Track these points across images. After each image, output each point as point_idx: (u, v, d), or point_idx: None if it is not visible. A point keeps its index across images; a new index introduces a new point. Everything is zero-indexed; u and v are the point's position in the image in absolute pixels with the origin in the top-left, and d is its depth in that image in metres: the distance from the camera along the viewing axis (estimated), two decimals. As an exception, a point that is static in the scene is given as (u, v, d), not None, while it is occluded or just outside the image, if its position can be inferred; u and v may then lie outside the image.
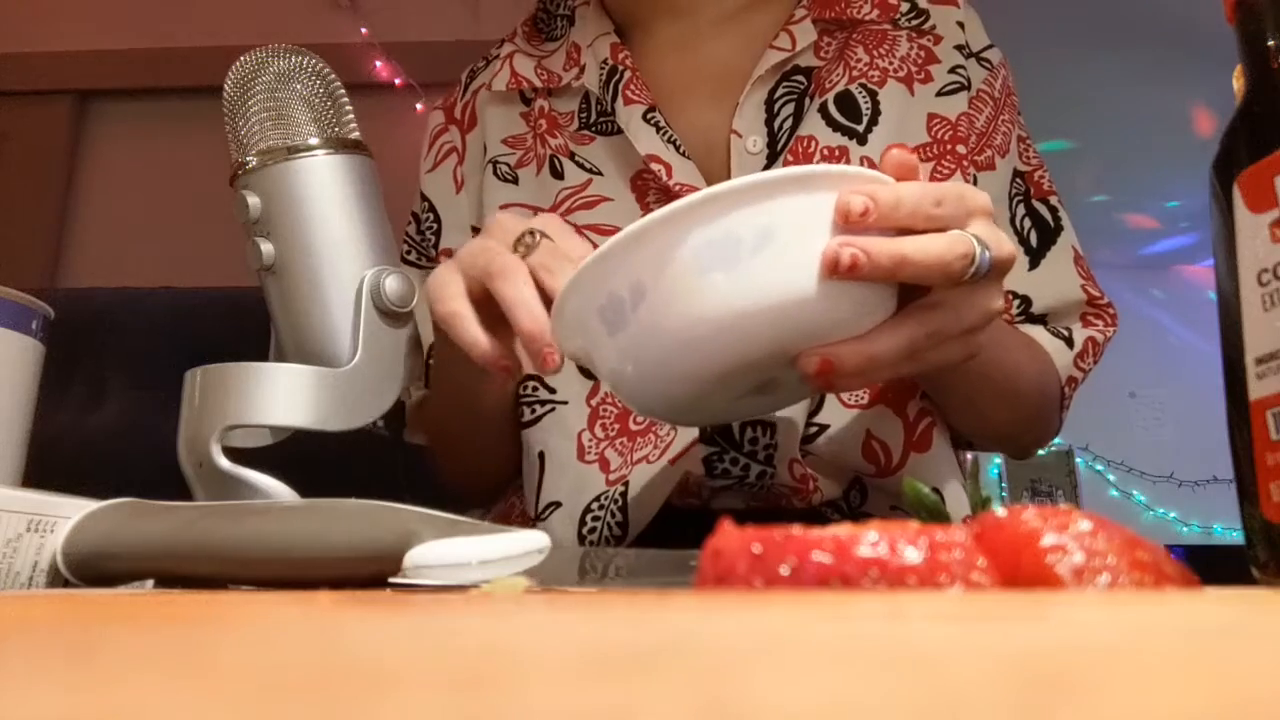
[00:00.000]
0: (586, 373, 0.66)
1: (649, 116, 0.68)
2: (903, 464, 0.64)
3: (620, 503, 0.63)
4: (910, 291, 0.45)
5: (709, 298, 0.41)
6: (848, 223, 0.41)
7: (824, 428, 0.63)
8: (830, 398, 0.64)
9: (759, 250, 0.40)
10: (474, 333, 0.49)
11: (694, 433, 0.62)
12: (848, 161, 0.65)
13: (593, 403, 0.66)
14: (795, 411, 0.63)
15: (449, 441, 0.72)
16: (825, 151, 0.66)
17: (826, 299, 0.41)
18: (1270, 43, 0.30)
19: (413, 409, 0.74)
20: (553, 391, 0.67)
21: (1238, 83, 0.32)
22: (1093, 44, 2.68)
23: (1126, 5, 2.58)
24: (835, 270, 0.40)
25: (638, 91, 0.70)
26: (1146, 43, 2.68)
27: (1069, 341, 0.69)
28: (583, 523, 0.64)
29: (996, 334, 0.58)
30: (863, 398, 0.64)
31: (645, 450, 0.64)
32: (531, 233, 0.50)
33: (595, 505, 0.64)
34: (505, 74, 0.75)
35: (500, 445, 0.69)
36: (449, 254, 0.74)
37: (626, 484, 0.63)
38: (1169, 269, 4.07)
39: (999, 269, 0.44)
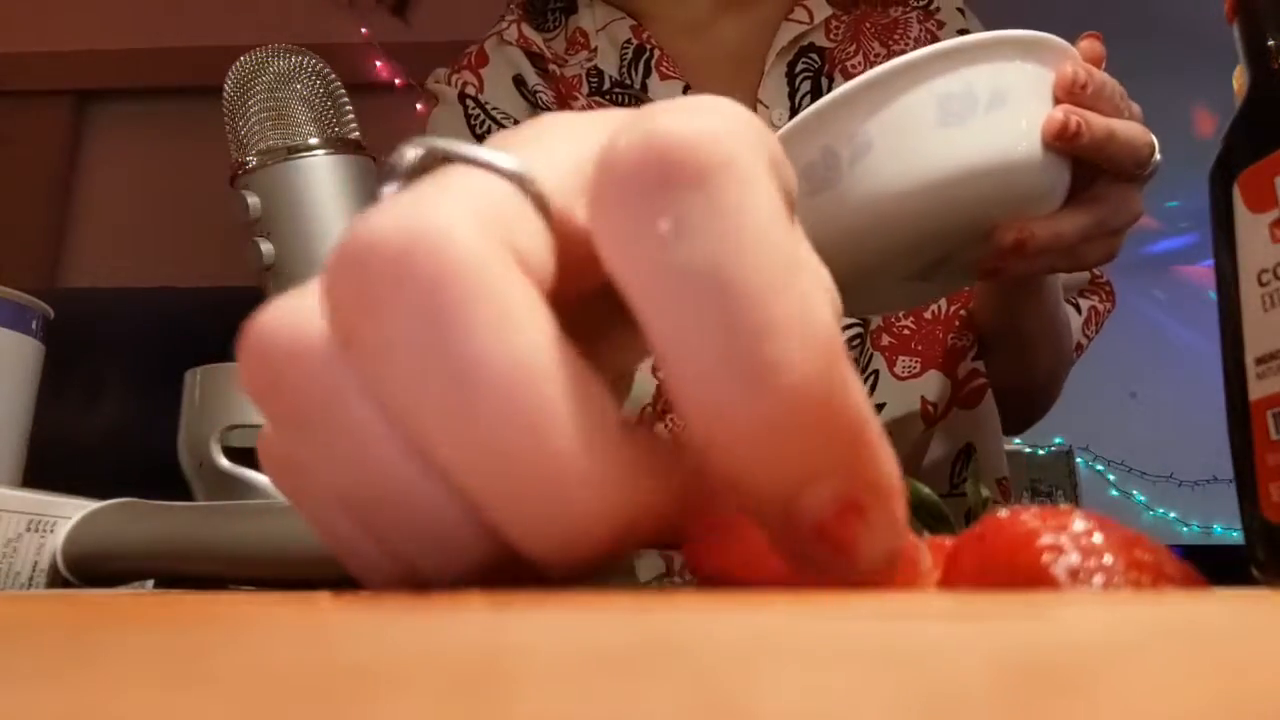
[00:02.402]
0: None
1: (689, 93, 0.69)
2: (945, 414, 0.66)
3: None
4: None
5: (939, 152, 0.40)
6: (1068, 95, 0.42)
7: (880, 407, 0.64)
8: (884, 375, 0.65)
9: (990, 109, 0.41)
10: None
11: None
12: None
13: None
14: None
15: None
16: None
17: (1042, 167, 0.42)
18: (1270, 43, 0.30)
19: None
20: None
21: (1238, 83, 0.32)
22: (1093, 44, 2.67)
23: (1126, 5, 2.58)
24: (1062, 135, 0.41)
25: (672, 68, 0.70)
26: (1146, 43, 2.68)
27: (1076, 308, 0.72)
28: None
29: (1054, 281, 0.63)
30: (915, 368, 0.66)
31: None
32: None
33: None
34: (514, 32, 0.75)
35: None
36: None
37: None
38: (1169, 269, 4.07)
39: (1154, 172, 0.47)
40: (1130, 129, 0.44)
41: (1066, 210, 0.45)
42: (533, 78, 0.73)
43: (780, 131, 0.42)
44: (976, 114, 0.41)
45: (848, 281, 0.44)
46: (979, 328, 0.67)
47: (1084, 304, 0.73)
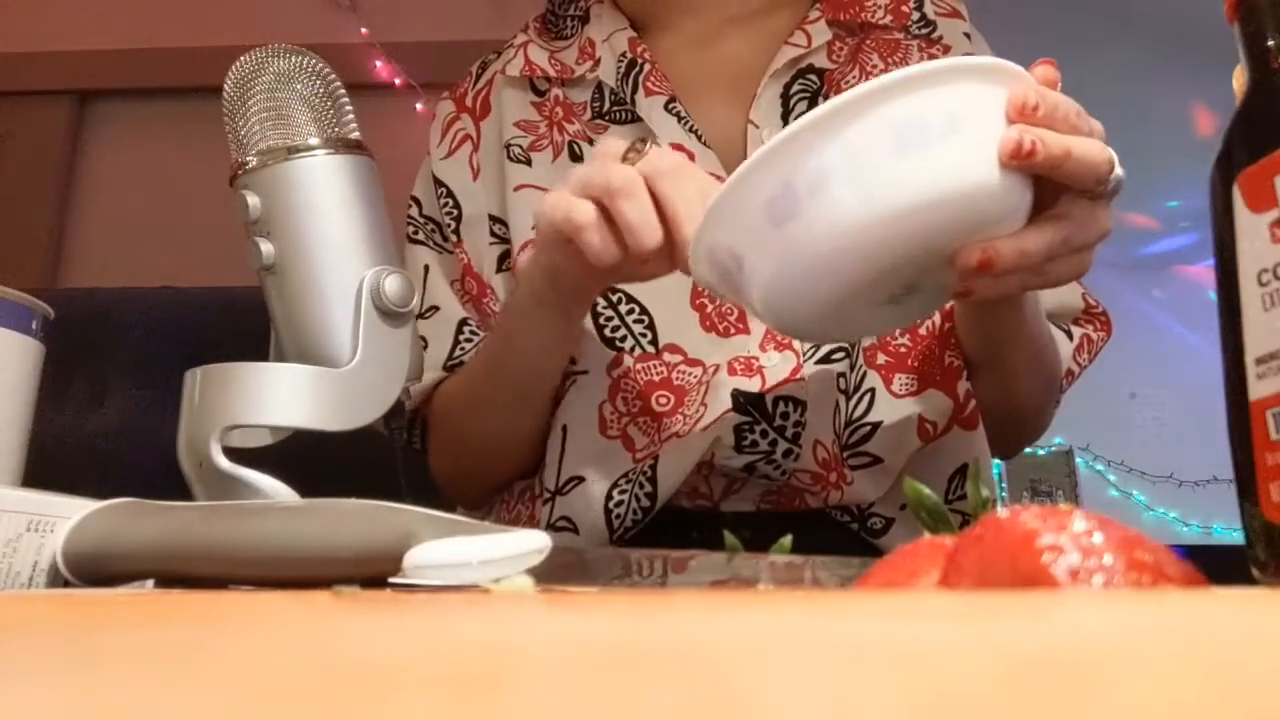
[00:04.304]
0: (609, 342, 0.66)
1: (670, 107, 0.70)
2: (946, 431, 0.66)
3: (650, 474, 0.64)
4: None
5: (897, 181, 0.41)
6: (1020, 116, 0.43)
7: (877, 425, 0.64)
8: (880, 392, 0.65)
9: (945, 135, 0.41)
10: (606, 241, 0.50)
11: (727, 402, 0.63)
12: None
13: (614, 374, 0.66)
14: (826, 394, 0.64)
15: (472, 430, 0.70)
16: None
17: (1001, 189, 0.43)
18: (1270, 43, 0.30)
19: (421, 396, 0.73)
20: (573, 362, 0.67)
21: (1238, 83, 0.32)
22: (1093, 44, 2.67)
23: (1126, 5, 2.58)
24: (1017, 155, 0.42)
25: (658, 83, 0.71)
26: (1146, 42, 2.68)
27: (1068, 334, 0.72)
28: (609, 497, 0.64)
29: (1034, 304, 0.63)
30: (913, 386, 0.65)
31: (675, 427, 0.64)
32: (641, 140, 0.51)
33: (623, 480, 0.65)
34: (519, 61, 0.76)
35: (529, 432, 0.68)
36: (461, 248, 0.74)
37: (656, 458, 0.64)
38: (1169, 269, 4.07)
39: (1117, 188, 0.48)
40: (1087, 146, 0.45)
41: (1030, 228, 0.46)
42: (517, 132, 0.74)
43: (741, 166, 0.43)
44: (931, 140, 0.41)
45: (821, 310, 0.45)
46: (961, 348, 0.68)
47: (1077, 331, 0.73)
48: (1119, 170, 0.46)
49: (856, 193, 0.41)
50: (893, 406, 0.65)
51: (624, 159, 0.51)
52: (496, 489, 0.74)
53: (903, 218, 0.41)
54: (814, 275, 0.43)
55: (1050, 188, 0.46)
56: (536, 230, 0.57)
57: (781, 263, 0.43)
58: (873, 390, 0.65)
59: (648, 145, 0.51)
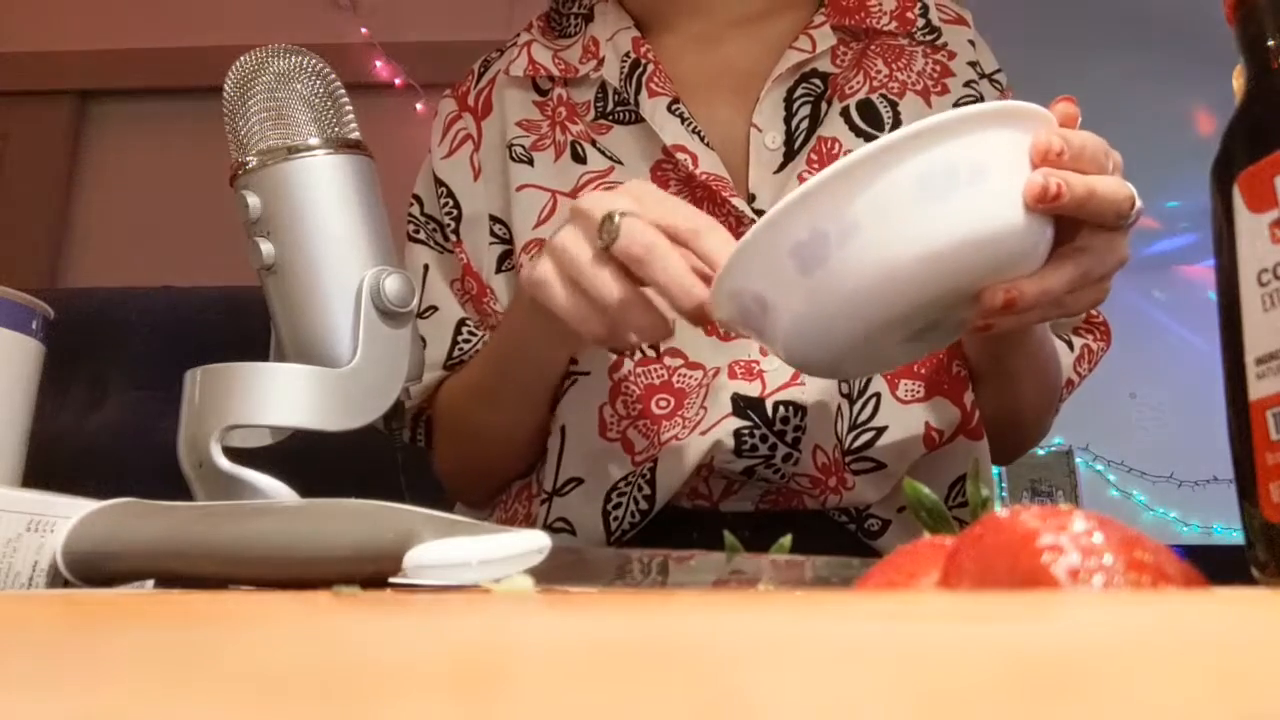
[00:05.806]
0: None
1: (673, 108, 0.70)
2: (951, 440, 0.66)
3: (649, 477, 0.64)
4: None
5: (926, 229, 0.42)
6: (1044, 161, 0.44)
7: (882, 430, 0.64)
8: (885, 398, 0.65)
9: (972, 182, 0.42)
10: (687, 273, 0.48)
11: (726, 407, 0.63)
12: None
13: (615, 376, 0.66)
14: (828, 399, 0.64)
15: (477, 423, 0.71)
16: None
17: (1025, 230, 0.44)
18: (1270, 43, 0.30)
19: (423, 394, 0.73)
20: (574, 362, 0.67)
21: (1238, 83, 0.32)
22: (1093, 44, 2.67)
23: (1127, 6, 2.58)
24: (1043, 199, 0.43)
25: (661, 84, 0.71)
26: (1146, 43, 2.68)
27: (1069, 344, 0.73)
28: (608, 499, 0.64)
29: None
30: (919, 392, 0.65)
31: (674, 430, 0.64)
32: (609, 216, 0.49)
33: (621, 483, 0.65)
34: (523, 60, 0.76)
35: (533, 426, 0.69)
36: (461, 249, 0.74)
37: (655, 461, 0.64)
38: (1169, 269, 4.07)
39: (1136, 220, 0.49)
40: (1109, 184, 0.46)
41: (1052, 265, 0.46)
42: (520, 132, 0.74)
43: (769, 213, 0.43)
44: (958, 188, 0.42)
45: (842, 351, 0.46)
46: (966, 361, 0.68)
47: (1077, 342, 0.73)
48: (1139, 204, 0.47)
49: (884, 240, 0.42)
50: (898, 412, 0.65)
51: (600, 234, 0.49)
52: (501, 486, 0.74)
53: (930, 264, 0.42)
54: (839, 320, 0.44)
55: (1070, 221, 0.47)
56: (523, 286, 0.56)
57: (808, 308, 0.44)
58: (878, 395, 0.65)
59: (616, 220, 0.49)
